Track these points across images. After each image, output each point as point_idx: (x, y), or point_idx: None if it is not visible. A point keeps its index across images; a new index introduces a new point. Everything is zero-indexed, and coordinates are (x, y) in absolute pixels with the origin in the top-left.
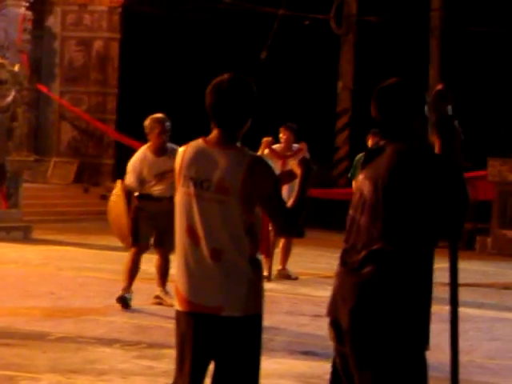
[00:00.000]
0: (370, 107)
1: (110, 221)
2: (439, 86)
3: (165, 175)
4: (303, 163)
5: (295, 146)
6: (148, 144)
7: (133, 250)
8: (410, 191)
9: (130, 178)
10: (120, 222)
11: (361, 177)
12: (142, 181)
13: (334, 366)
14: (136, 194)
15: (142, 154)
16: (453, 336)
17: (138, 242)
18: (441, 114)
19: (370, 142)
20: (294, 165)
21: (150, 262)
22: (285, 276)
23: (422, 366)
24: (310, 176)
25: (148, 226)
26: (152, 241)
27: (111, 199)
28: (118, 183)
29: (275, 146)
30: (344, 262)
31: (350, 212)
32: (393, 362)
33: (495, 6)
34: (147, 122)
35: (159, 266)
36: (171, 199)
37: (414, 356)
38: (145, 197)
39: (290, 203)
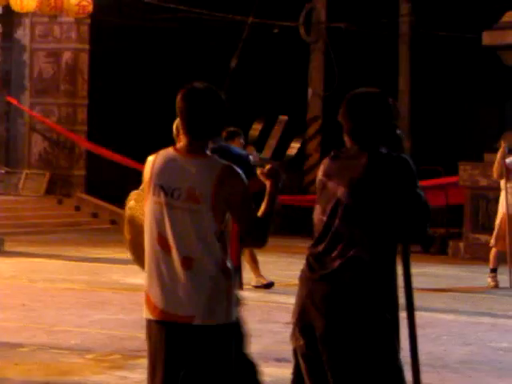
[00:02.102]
0: (339, 113)
1: (128, 237)
2: (391, 99)
3: None
4: (271, 174)
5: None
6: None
7: None
8: (386, 197)
9: None
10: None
11: (331, 182)
12: None
13: (297, 373)
14: None
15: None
16: (411, 338)
17: None
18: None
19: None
20: (261, 176)
21: (121, 272)
22: (261, 282)
23: (398, 369)
24: (278, 186)
25: None
26: None
27: (131, 213)
28: (136, 193)
29: None
30: (312, 267)
31: (321, 217)
32: (370, 365)
33: (464, 11)
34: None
35: None
36: None
37: (391, 359)
38: None
39: (259, 213)
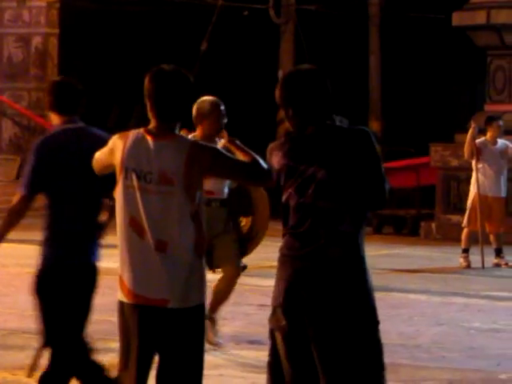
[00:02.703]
0: (277, 97)
1: None
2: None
3: None
4: (231, 141)
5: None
6: (195, 133)
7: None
8: (357, 169)
9: None
10: None
11: (299, 163)
12: None
13: (274, 355)
14: None
15: None
16: None
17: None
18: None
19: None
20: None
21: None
22: None
23: (379, 342)
24: (240, 145)
25: None
26: None
27: None
28: None
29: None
30: (295, 247)
31: (296, 198)
32: (358, 341)
33: None
34: (202, 106)
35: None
36: (223, 203)
37: (375, 333)
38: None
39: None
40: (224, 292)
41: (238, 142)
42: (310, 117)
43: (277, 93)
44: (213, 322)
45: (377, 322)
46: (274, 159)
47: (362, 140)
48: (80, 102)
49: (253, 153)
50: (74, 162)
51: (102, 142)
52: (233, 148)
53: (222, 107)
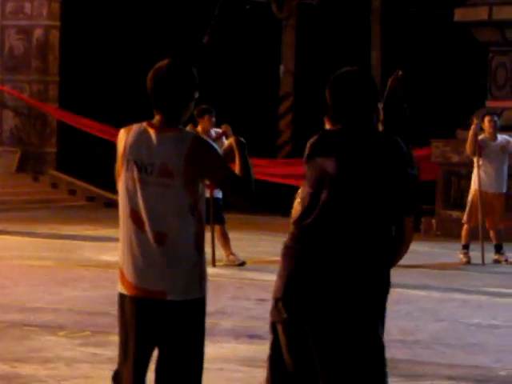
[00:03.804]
0: (326, 93)
1: None
2: (400, 72)
3: None
4: (234, 141)
5: (217, 130)
6: None
7: None
8: (373, 172)
9: None
10: None
11: (318, 156)
12: None
13: (275, 348)
14: None
15: None
16: None
17: None
18: (393, 96)
19: (327, 126)
20: (231, 144)
21: (93, 249)
22: (233, 261)
23: (381, 346)
24: (245, 148)
25: None
26: None
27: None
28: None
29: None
30: (300, 241)
31: (308, 190)
32: (354, 340)
33: None
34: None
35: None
36: None
37: (374, 335)
38: None
39: (237, 171)
40: None
41: (243, 143)
42: (340, 116)
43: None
44: None
45: (377, 320)
46: (306, 152)
47: (387, 146)
48: None
49: (249, 165)
50: None
51: None
52: (236, 149)
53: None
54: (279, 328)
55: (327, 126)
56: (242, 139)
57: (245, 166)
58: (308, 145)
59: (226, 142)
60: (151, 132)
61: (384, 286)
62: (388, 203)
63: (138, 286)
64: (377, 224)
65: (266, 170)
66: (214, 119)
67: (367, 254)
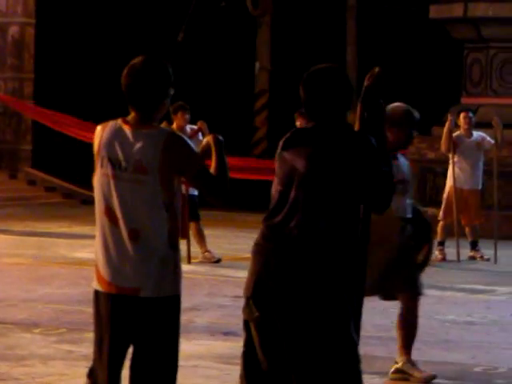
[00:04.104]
0: (300, 90)
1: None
2: (377, 68)
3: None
4: (212, 138)
5: (192, 127)
6: None
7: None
8: (342, 169)
9: None
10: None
11: (288, 153)
12: None
13: (248, 345)
14: None
15: None
16: None
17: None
18: (369, 93)
19: (298, 122)
20: (208, 142)
21: (69, 246)
22: (209, 258)
23: (353, 343)
24: (222, 146)
25: None
26: None
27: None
28: None
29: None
30: (269, 238)
31: (278, 187)
32: (324, 337)
33: None
34: None
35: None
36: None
37: (347, 326)
38: None
39: (212, 170)
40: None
41: (221, 141)
42: (313, 113)
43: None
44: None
45: (349, 317)
46: (278, 149)
47: (358, 143)
48: None
49: (226, 164)
50: None
51: None
52: (213, 147)
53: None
54: (252, 326)
55: (298, 123)
56: (220, 137)
57: (221, 164)
58: (280, 142)
59: (203, 140)
60: (126, 129)
61: (359, 284)
62: (358, 201)
63: (113, 283)
64: (346, 222)
65: (241, 167)
66: (188, 116)
67: (337, 252)
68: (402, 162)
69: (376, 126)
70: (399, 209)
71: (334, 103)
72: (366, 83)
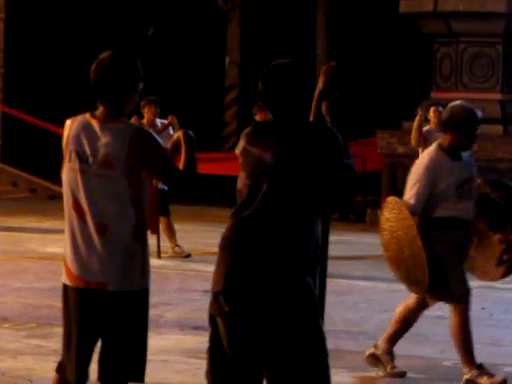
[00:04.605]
0: (259, 84)
1: (395, 260)
2: (332, 63)
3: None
4: (183, 134)
5: (162, 121)
6: (440, 142)
7: (461, 306)
8: (309, 163)
9: (419, 195)
10: (415, 263)
11: (255, 148)
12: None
13: (214, 340)
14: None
15: (436, 154)
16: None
17: (466, 291)
18: (326, 87)
19: (258, 116)
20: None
21: (38, 241)
22: (179, 253)
23: (321, 332)
24: (192, 141)
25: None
26: None
27: (390, 227)
28: (393, 202)
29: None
30: (238, 233)
31: (246, 182)
32: (295, 328)
33: None
34: None
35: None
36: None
37: (314, 321)
38: (444, 221)
39: (181, 164)
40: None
41: (192, 136)
42: (273, 107)
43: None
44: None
45: (318, 310)
46: (241, 143)
47: (323, 136)
48: None
49: (195, 159)
50: None
51: None
52: (183, 142)
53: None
54: (220, 321)
55: (257, 117)
56: (191, 132)
57: (189, 159)
58: (242, 136)
59: (174, 134)
60: (94, 123)
61: (321, 276)
62: (324, 194)
63: (81, 277)
64: (314, 215)
65: (211, 162)
66: (158, 110)
67: (305, 245)
68: (467, 159)
69: (333, 119)
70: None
71: (292, 98)
72: (322, 78)
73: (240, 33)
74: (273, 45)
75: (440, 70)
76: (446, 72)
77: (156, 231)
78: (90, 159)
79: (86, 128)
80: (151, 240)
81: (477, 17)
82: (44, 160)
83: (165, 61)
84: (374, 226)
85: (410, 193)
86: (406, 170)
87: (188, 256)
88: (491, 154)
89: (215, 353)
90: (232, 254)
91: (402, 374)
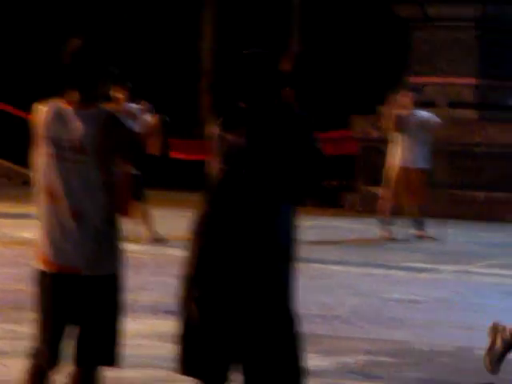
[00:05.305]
0: (229, 72)
1: None
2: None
3: None
4: (158, 119)
5: (135, 106)
6: None
7: None
8: (282, 146)
9: None
10: None
11: (228, 133)
12: None
13: (186, 326)
14: None
15: None
16: None
17: None
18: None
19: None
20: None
21: (10, 226)
22: (156, 238)
23: (291, 313)
24: (168, 128)
25: None
26: None
27: None
28: None
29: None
30: (213, 217)
31: (221, 166)
32: (270, 309)
33: None
34: None
35: None
36: None
37: (287, 305)
38: None
39: (155, 152)
40: None
41: (167, 122)
42: (244, 95)
43: None
44: None
45: (288, 294)
46: (214, 129)
47: (292, 120)
48: None
49: (169, 145)
50: None
51: None
52: (158, 127)
53: None
54: (192, 306)
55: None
56: (167, 118)
57: (164, 145)
58: (214, 123)
59: (148, 118)
60: (67, 109)
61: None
62: (294, 176)
63: (54, 262)
64: (284, 200)
65: (185, 147)
66: (129, 95)
67: (279, 227)
68: None
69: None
70: None
71: (262, 85)
72: (283, 66)
73: (215, 17)
74: (248, 31)
75: (416, 54)
76: (422, 56)
77: (131, 216)
78: (64, 145)
79: (59, 113)
80: (127, 225)
81: (452, 1)
82: (17, 146)
83: (139, 45)
84: (350, 210)
85: None
86: (381, 154)
87: (163, 241)
88: (467, 138)
89: (187, 338)
90: (205, 239)
91: None
